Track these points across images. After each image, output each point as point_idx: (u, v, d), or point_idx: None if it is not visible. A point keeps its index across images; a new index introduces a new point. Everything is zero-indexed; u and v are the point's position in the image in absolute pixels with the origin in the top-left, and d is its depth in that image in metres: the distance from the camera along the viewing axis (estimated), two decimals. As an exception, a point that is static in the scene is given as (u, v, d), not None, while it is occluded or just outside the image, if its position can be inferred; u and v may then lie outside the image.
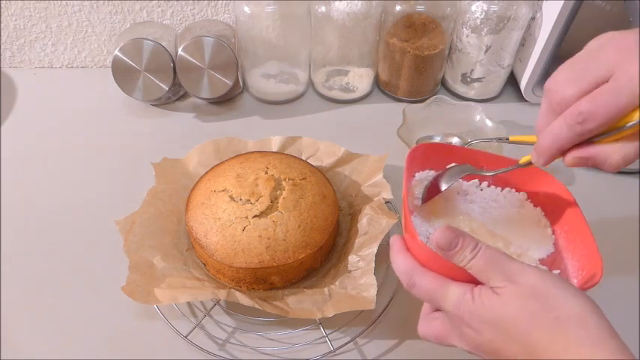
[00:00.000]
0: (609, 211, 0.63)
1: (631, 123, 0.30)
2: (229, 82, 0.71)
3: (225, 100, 0.78)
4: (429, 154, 0.47)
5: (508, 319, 0.30)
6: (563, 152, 0.34)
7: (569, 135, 0.32)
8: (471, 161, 0.46)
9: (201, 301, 0.52)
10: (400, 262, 0.36)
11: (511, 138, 0.61)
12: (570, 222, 0.44)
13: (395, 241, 0.38)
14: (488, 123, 0.68)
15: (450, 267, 0.34)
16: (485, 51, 0.72)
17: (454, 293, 0.33)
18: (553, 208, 0.46)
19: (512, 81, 0.80)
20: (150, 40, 0.68)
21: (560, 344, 0.28)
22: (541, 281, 0.30)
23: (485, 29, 0.69)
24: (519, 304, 0.30)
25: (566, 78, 0.32)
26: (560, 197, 0.45)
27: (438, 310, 0.36)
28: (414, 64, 0.73)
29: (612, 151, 0.31)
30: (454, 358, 0.49)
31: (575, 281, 0.40)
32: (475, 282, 0.33)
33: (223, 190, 0.52)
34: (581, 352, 0.27)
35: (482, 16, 0.68)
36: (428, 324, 0.36)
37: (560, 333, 0.28)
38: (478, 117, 0.69)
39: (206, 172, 0.57)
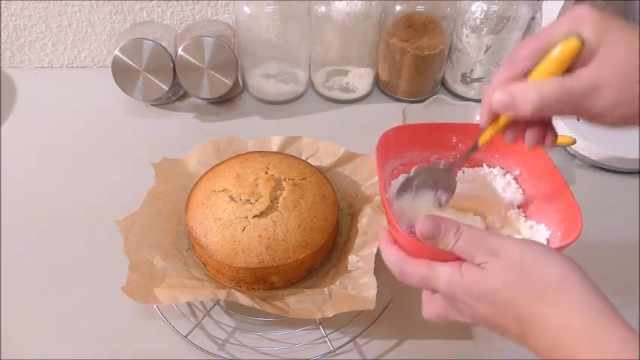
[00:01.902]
0: (609, 211, 0.63)
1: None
2: (229, 82, 0.71)
3: (225, 100, 0.78)
4: (398, 139, 0.46)
5: (495, 292, 0.31)
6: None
7: (501, 72, 0.33)
8: (440, 136, 0.47)
9: (201, 301, 0.52)
10: (388, 253, 0.37)
11: None
12: (546, 178, 0.45)
13: (382, 234, 0.39)
14: (488, 123, 0.68)
15: (435, 251, 0.35)
16: (485, 51, 0.72)
17: (444, 274, 0.33)
18: (529, 170, 0.47)
19: (512, 81, 0.80)
20: (150, 40, 0.68)
21: (544, 310, 0.29)
22: (522, 252, 0.30)
23: (485, 29, 0.69)
24: (503, 276, 0.30)
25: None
26: (537, 161, 0.46)
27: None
28: (414, 64, 0.73)
29: (529, 86, 0.31)
30: (454, 358, 0.49)
31: (559, 234, 0.42)
32: (461, 260, 0.34)
33: (223, 190, 0.52)
34: (565, 317, 0.28)
35: (482, 16, 0.68)
36: (429, 306, 0.37)
37: (542, 300, 0.29)
38: (478, 117, 0.69)
39: (206, 172, 0.57)
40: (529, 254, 0.30)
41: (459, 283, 0.32)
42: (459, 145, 0.48)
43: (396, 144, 0.47)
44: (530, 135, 0.35)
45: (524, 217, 0.46)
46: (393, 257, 0.37)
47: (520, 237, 0.43)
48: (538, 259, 0.30)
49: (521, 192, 0.47)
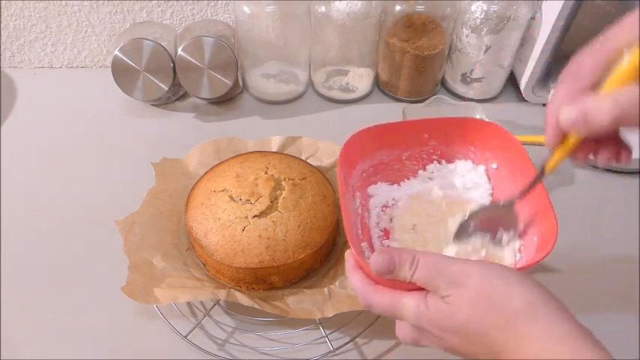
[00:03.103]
0: (609, 211, 0.63)
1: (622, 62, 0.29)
2: (229, 82, 0.71)
3: (225, 100, 0.78)
4: (365, 142, 0.44)
5: (463, 325, 0.30)
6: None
7: (564, 88, 0.31)
8: (413, 134, 0.44)
9: (201, 301, 0.52)
10: (354, 281, 0.36)
11: None
12: (523, 176, 0.43)
13: (348, 259, 0.37)
14: (488, 123, 0.68)
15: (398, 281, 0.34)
16: (485, 51, 0.72)
17: (409, 306, 0.32)
18: (506, 165, 0.45)
19: (512, 81, 0.80)
20: (150, 40, 0.68)
21: (514, 341, 0.28)
22: (484, 281, 0.29)
23: (485, 29, 0.69)
24: (468, 308, 0.29)
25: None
26: (513, 155, 0.44)
27: None
28: (414, 64, 0.73)
29: (602, 98, 0.29)
30: (453, 358, 0.49)
31: (535, 239, 0.40)
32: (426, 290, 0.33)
33: (223, 190, 0.52)
34: (536, 346, 0.27)
35: (482, 16, 0.68)
36: (401, 329, 0.36)
37: (511, 330, 0.28)
38: (478, 117, 0.69)
39: (206, 172, 0.57)
40: (492, 281, 0.29)
41: (426, 316, 0.31)
42: (431, 141, 0.47)
43: (362, 147, 0.44)
44: (605, 154, 0.34)
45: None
46: (359, 284, 0.35)
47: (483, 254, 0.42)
48: (502, 287, 0.29)
49: (490, 192, 0.46)
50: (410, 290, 0.33)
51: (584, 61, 0.31)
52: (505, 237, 0.42)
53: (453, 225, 0.43)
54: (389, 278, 0.33)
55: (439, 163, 0.48)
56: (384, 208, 0.47)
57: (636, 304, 0.53)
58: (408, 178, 0.48)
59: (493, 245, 0.42)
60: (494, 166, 0.47)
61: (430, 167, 0.48)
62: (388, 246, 0.45)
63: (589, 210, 0.62)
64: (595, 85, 0.30)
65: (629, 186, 0.66)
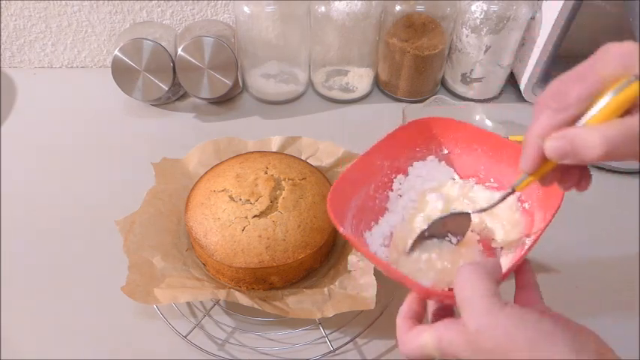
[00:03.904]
0: (609, 211, 0.63)
1: (607, 94, 0.29)
2: (229, 82, 0.71)
3: (225, 100, 0.78)
4: (341, 195, 0.43)
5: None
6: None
7: (547, 116, 0.31)
8: (369, 166, 0.45)
9: (201, 301, 0.52)
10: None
11: (511, 138, 0.61)
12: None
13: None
14: (488, 123, 0.68)
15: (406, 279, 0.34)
16: (485, 51, 0.72)
17: (430, 341, 0.32)
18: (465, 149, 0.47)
19: (512, 81, 0.80)
20: (150, 40, 0.68)
21: None
22: (506, 334, 0.29)
23: (485, 29, 0.69)
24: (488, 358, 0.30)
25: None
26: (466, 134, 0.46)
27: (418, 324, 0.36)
28: (414, 64, 0.73)
29: (591, 131, 0.29)
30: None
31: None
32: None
33: (223, 190, 0.52)
34: None
35: (482, 16, 0.68)
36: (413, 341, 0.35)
37: None
38: (478, 117, 0.69)
39: (206, 172, 0.57)
40: (515, 335, 0.29)
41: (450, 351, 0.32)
42: (385, 163, 0.47)
43: (344, 200, 0.43)
44: (570, 180, 0.34)
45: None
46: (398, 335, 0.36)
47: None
48: (524, 342, 0.29)
49: (452, 174, 0.47)
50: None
51: (569, 89, 0.31)
52: (454, 239, 0.42)
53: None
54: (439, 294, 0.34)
55: (397, 176, 0.48)
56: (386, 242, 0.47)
57: (636, 304, 0.53)
58: (387, 209, 0.47)
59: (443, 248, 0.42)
60: (445, 151, 0.48)
61: (394, 185, 0.48)
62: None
63: (589, 210, 0.62)
64: (581, 115, 0.31)
65: (629, 186, 0.66)
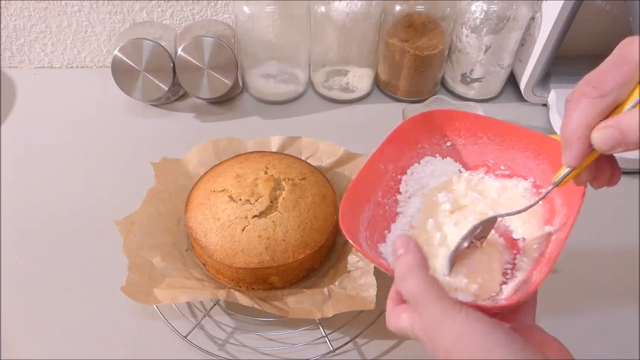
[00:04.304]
0: (609, 211, 0.63)
1: None
2: (229, 82, 0.71)
3: (225, 100, 0.78)
4: (352, 210, 0.42)
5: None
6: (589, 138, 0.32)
7: (588, 105, 0.30)
8: (374, 172, 0.44)
9: (201, 302, 0.52)
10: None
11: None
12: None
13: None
14: (488, 123, 0.68)
15: None
16: (485, 51, 0.72)
17: (407, 325, 0.33)
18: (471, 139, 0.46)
19: (512, 81, 0.80)
20: (149, 40, 0.68)
21: None
22: (456, 341, 0.29)
23: (484, 29, 0.69)
24: (442, 355, 0.30)
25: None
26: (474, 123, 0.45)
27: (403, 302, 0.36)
28: (414, 64, 0.73)
29: (635, 114, 0.29)
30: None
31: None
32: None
33: (223, 190, 0.52)
34: None
35: (482, 16, 0.68)
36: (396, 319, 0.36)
37: None
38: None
39: (206, 172, 0.57)
40: (467, 347, 0.29)
41: (418, 336, 0.32)
42: (389, 167, 0.46)
43: (360, 199, 0.43)
44: (603, 176, 0.34)
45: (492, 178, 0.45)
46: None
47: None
48: (472, 351, 0.29)
49: (459, 167, 0.46)
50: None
51: (606, 76, 0.30)
52: (477, 242, 0.41)
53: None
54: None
55: (403, 176, 0.47)
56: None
57: (636, 303, 0.53)
58: (397, 214, 0.47)
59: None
60: (448, 144, 0.47)
61: (402, 187, 0.47)
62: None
63: (589, 209, 0.62)
64: (621, 101, 0.30)
65: (629, 186, 0.66)
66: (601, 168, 0.34)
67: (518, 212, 0.38)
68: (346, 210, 0.40)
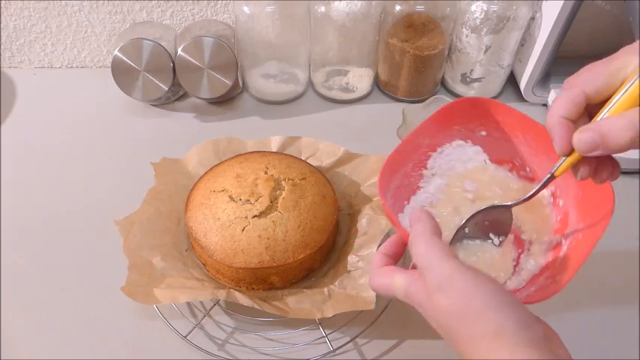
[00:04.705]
0: (609, 211, 0.63)
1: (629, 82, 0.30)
2: (229, 82, 0.71)
3: (225, 100, 0.78)
4: (401, 159, 0.44)
5: (436, 323, 0.32)
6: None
7: (561, 96, 0.32)
8: (413, 146, 0.45)
9: (201, 302, 0.52)
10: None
11: None
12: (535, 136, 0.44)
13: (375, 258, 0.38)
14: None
15: None
16: (485, 51, 0.72)
17: (400, 285, 0.34)
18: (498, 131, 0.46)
19: (512, 81, 0.80)
20: (149, 40, 0.68)
21: (476, 354, 0.29)
22: (463, 296, 0.30)
23: (484, 29, 0.69)
24: (442, 315, 0.31)
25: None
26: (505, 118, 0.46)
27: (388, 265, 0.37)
28: (414, 64, 0.73)
29: (617, 118, 0.30)
30: (453, 358, 0.49)
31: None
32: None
33: (223, 190, 0.52)
34: None
35: (482, 16, 0.68)
36: (380, 279, 0.36)
37: (475, 349, 0.29)
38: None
39: (206, 172, 0.57)
40: (471, 302, 0.30)
41: (413, 298, 0.33)
42: (425, 141, 0.46)
43: (395, 168, 0.44)
44: (604, 171, 0.34)
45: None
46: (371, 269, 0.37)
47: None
48: (477, 309, 0.29)
49: (486, 157, 0.47)
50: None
51: (579, 73, 0.33)
52: (497, 239, 0.42)
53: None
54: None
55: (433, 154, 0.48)
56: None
57: (636, 303, 0.53)
58: (419, 188, 0.48)
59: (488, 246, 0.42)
60: (483, 133, 0.47)
61: (429, 163, 0.48)
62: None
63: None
64: (590, 94, 0.32)
65: (629, 186, 0.66)
66: (601, 162, 0.34)
67: (517, 204, 0.40)
68: (385, 175, 0.42)
